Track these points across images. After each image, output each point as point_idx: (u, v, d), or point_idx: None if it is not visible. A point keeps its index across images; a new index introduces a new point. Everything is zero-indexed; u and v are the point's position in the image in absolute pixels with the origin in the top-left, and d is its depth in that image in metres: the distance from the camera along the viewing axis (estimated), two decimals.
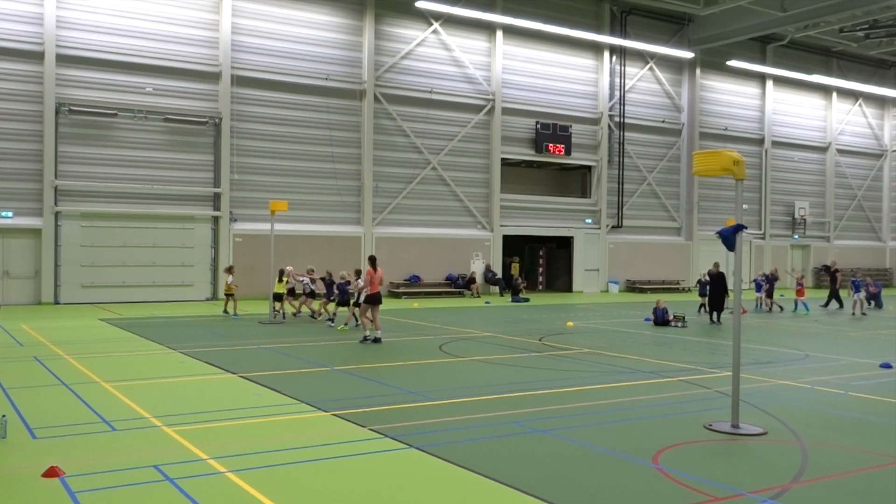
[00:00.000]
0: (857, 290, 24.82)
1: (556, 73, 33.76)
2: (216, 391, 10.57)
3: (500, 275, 32.15)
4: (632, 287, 35.66)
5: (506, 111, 32.36)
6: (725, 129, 38.69)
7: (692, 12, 34.98)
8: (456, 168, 31.53)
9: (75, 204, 25.00)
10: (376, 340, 15.70)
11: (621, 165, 35.53)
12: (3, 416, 7.91)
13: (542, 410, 9.39)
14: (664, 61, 36.72)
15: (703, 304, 23.33)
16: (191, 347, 14.64)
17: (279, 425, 8.54)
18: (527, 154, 33.25)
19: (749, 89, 39.91)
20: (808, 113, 42.51)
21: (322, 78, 28.65)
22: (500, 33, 31.99)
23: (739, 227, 8.49)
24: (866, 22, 36.40)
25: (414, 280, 30.34)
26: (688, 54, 36.19)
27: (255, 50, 27.55)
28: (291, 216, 26.16)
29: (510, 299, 29.10)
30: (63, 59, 24.56)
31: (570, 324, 20.12)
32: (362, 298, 16.04)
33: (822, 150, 43.04)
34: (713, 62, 37.91)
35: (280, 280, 20.38)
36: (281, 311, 20.36)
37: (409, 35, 30.34)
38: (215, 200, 27.08)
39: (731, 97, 39.22)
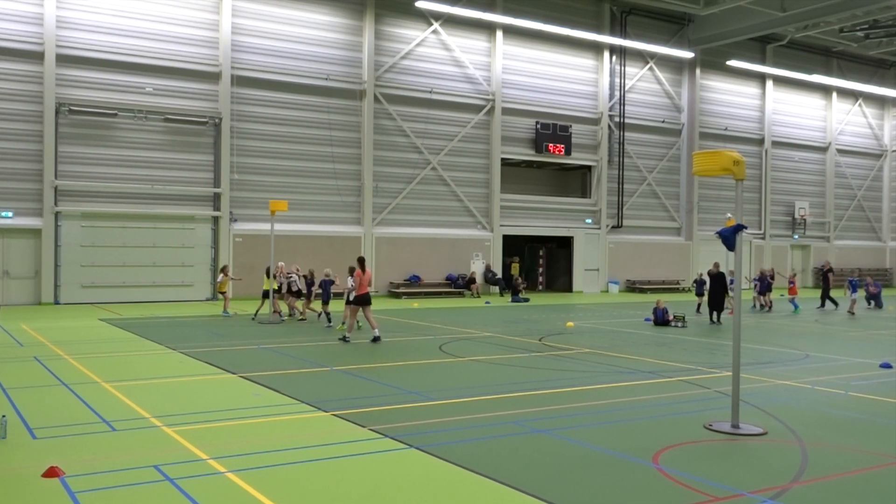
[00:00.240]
0: (854, 290, 24.82)
1: (556, 73, 33.76)
2: (216, 391, 10.57)
3: (500, 275, 32.15)
4: (632, 287, 35.66)
5: (506, 111, 32.36)
6: (725, 129, 38.69)
7: (692, 12, 34.99)
8: (456, 168, 31.53)
9: (75, 204, 25.01)
10: (376, 339, 15.73)
11: (621, 165, 35.53)
12: (4, 416, 7.91)
13: (542, 410, 9.39)
14: (664, 61, 36.73)
15: (700, 304, 23.37)
16: (191, 347, 14.64)
17: (279, 425, 8.54)
18: (527, 154, 33.26)
19: (749, 89, 39.91)
20: (808, 113, 42.50)
21: (322, 78, 28.65)
22: (500, 33, 31.99)
23: (739, 227, 8.49)
24: (866, 22, 36.40)
25: (414, 280, 30.34)
26: (688, 54, 36.19)
27: (255, 50, 27.56)
28: (291, 216, 26.19)
29: (510, 299, 29.09)
30: (63, 59, 24.56)
31: (569, 324, 20.11)
32: (352, 298, 16.09)
33: (822, 150, 43.04)
34: (713, 62, 37.91)
35: (269, 276, 20.32)
36: (277, 310, 20.29)
37: (409, 35, 30.34)
38: (215, 200, 27.09)
39: (731, 97, 39.22)
